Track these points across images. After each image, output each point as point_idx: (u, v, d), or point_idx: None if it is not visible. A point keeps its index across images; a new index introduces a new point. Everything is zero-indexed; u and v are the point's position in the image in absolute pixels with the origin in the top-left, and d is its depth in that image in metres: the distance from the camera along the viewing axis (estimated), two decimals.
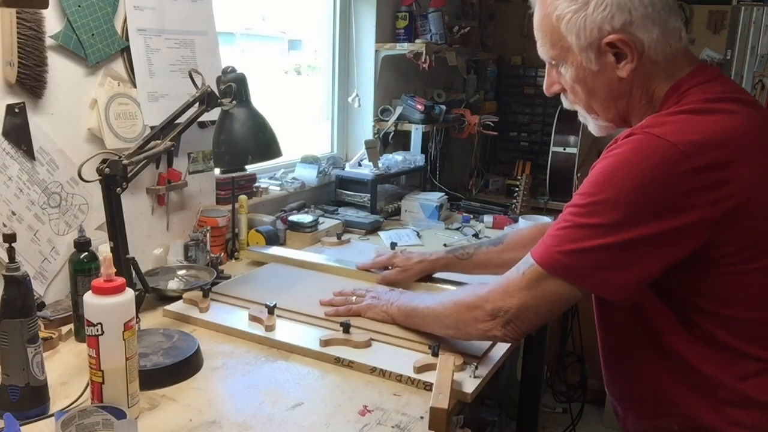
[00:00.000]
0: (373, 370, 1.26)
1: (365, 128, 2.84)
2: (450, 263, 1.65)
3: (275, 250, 1.94)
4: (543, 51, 1.15)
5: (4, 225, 1.40)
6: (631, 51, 1.04)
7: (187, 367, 1.24)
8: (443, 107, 2.89)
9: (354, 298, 1.52)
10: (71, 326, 1.39)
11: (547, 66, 1.17)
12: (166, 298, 1.59)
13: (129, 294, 1.08)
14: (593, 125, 1.19)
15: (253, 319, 1.44)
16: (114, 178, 1.28)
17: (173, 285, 1.67)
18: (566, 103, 1.19)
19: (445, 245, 2.14)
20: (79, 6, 1.50)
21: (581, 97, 1.14)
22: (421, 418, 1.11)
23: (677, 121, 0.99)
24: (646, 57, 1.05)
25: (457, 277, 1.68)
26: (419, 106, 2.75)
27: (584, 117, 1.19)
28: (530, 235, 1.55)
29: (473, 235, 2.27)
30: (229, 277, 1.75)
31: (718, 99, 1.02)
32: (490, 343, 1.32)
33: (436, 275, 1.71)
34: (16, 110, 1.41)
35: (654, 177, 0.95)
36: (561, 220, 1.05)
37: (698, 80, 1.05)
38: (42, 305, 1.45)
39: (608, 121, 1.15)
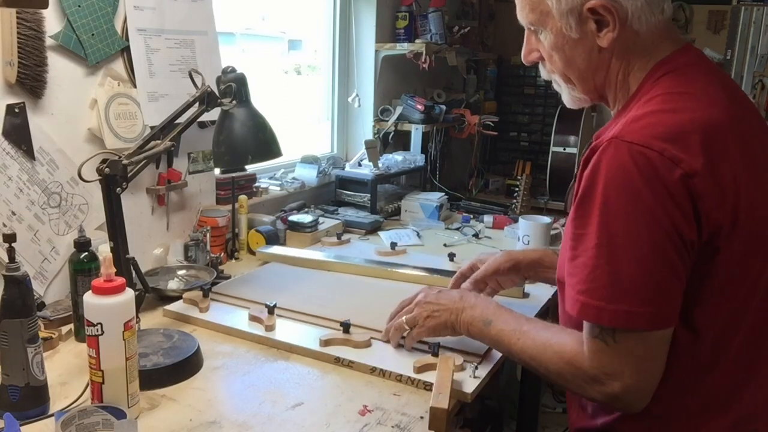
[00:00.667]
0: (373, 370, 1.26)
1: (365, 128, 2.84)
2: (543, 259, 1.45)
3: (284, 250, 1.93)
4: (522, 15, 1.10)
5: (4, 225, 1.40)
6: (613, 18, 1.00)
7: (187, 367, 1.24)
8: (443, 107, 2.89)
9: (404, 318, 1.32)
10: (71, 326, 1.39)
11: (525, 32, 1.13)
12: (166, 298, 1.59)
13: (129, 294, 1.08)
14: (568, 97, 1.14)
15: (253, 319, 1.44)
16: (114, 178, 1.28)
17: (173, 285, 1.67)
18: (544, 73, 1.15)
19: (445, 245, 2.14)
20: (79, 6, 1.50)
21: (558, 66, 1.09)
22: (421, 418, 1.11)
23: (655, 123, 0.94)
24: (628, 26, 1.01)
25: None
26: (419, 106, 2.75)
27: (560, 87, 1.14)
28: None
29: (473, 235, 2.27)
30: (229, 277, 1.75)
31: (692, 92, 0.98)
32: None
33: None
34: (16, 110, 1.41)
35: (652, 192, 0.91)
36: (583, 266, 0.96)
37: (676, 64, 1.02)
38: (42, 305, 1.45)
39: (584, 94, 1.11)
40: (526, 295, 1.67)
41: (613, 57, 1.05)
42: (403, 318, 1.31)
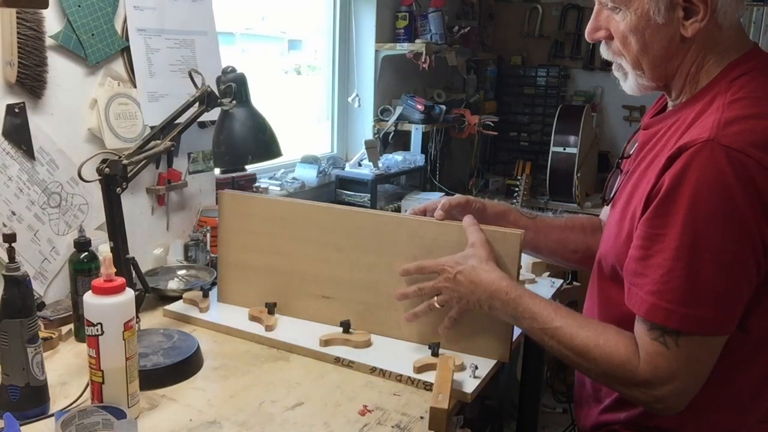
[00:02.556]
0: (373, 370, 1.26)
1: (365, 128, 2.84)
2: (508, 214, 1.37)
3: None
4: None
5: (4, 225, 1.40)
6: (705, 8, 0.97)
7: (187, 367, 1.24)
8: (443, 107, 2.90)
9: (436, 304, 1.26)
10: (71, 326, 1.39)
11: (596, 8, 1.08)
12: (166, 298, 1.59)
13: (129, 294, 1.08)
14: (633, 83, 1.09)
15: (253, 319, 1.44)
16: (114, 178, 1.28)
17: (173, 285, 1.67)
18: (606, 53, 1.11)
19: None
20: (79, 6, 1.50)
21: (632, 50, 1.04)
22: (421, 418, 1.11)
23: (749, 130, 0.92)
24: (713, 19, 0.99)
25: None
26: (419, 106, 2.76)
27: (624, 72, 1.10)
28: (585, 222, 1.41)
29: None
30: None
31: None
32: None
33: None
34: (16, 110, 1.41)
35: (747, 200, 0.90)
36: (657, 267, 0.95)
37: (752, 65, 1.01)
38: (42, 305, 1.44)
39: (652, 81, 1.07)
40: None
41: (692, 48, 1.03)
42: (434, 300, 1.24)
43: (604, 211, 1.34)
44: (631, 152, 1.19)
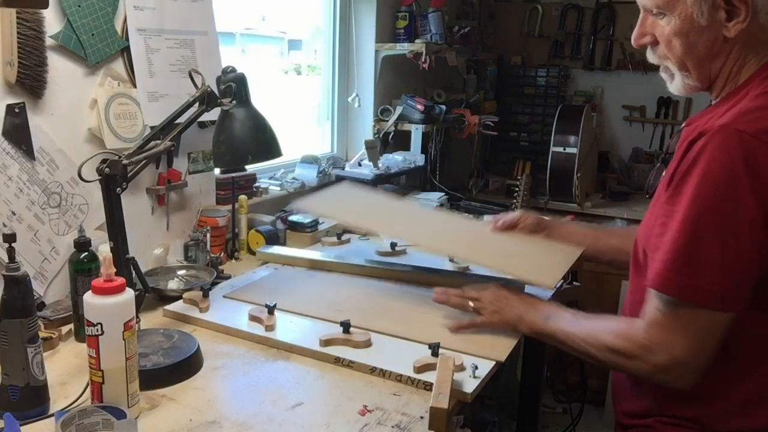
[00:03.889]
0: (373, 370, 1.26)
1: (365, 128, 2.84)
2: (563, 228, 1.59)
3: (284, 250, 1.92)
4: None
5: (4, 225, 1.40)
6: (746, 9, 1.01)
7: (187, 367, 1.24)
8: (443, 107, 2.89)
9: (471, 303, 1.39)
10: (71, 326, 1.39)
11: (641, 15, 1.13)
12: (166, 298, 1.59)
13: (129, 294, 1.08)
14: (680, 84, 1.14)
15: (253, 319, 1.44)
16: (114, 178, 1.28)
17: (173, 285, 1.67)
18: (653, 57, 1.15)
19: None
20: (79, 6, 1.50)
21: (677, 53, 1.09)
22: (421, 418, 1.11)
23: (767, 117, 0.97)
24: (755, 19, 1.02)
25: None
26: (419, 106, 2.76)
27: (671, 74, 1.14)
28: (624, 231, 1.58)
29: None
30: (229, 277, 1.74)
31: None
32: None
33: None
34: (16, 110, 1.41)
35: (751, 180, 0.94)
36: (667, 240, 1.00)
37: None
38: (42, 305, 1.45)
39: (698, 81, 1.11)
40: None
41: (735, 48, 1.06)
42: (470, 303, 1.39)
43: None
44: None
